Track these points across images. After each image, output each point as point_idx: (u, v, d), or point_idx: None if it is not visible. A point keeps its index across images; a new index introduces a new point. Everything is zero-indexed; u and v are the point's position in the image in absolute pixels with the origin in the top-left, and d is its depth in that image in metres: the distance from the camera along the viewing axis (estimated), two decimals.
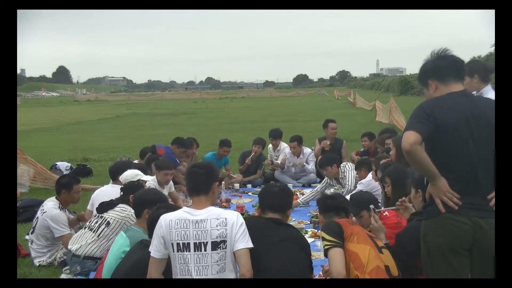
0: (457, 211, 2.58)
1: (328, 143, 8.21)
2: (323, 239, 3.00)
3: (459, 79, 2.77)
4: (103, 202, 4.54)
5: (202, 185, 3.03)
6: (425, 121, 2.60)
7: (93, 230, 4.37)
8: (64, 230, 4.68)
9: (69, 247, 4.46)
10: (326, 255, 3.01)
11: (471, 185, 2.61)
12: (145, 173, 5.45)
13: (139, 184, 4.76)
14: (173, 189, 6.31)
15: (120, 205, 4.42)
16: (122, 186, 4.85)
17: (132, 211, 4.11)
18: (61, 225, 4.67)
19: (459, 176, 2.61)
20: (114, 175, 5.43)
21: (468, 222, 2.57)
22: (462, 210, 2.58)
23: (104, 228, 4.32)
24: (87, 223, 4.56)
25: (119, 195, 4.62)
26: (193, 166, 3.24)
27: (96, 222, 4.40)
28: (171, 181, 6.20)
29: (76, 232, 4.85)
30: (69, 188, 4.87)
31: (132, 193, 4.32)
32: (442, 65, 2.73)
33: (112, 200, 4.56)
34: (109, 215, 4.35)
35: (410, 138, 2.53)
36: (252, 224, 3.14)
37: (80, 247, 4.35)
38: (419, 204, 3.69)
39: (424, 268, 2.81)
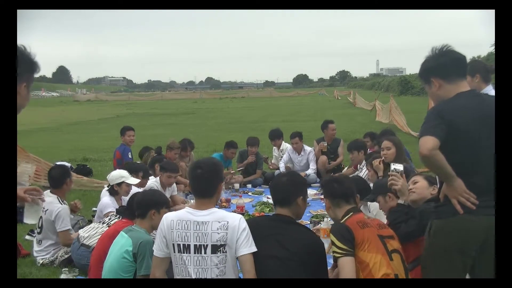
0: (472, 210, 2.55)
1: (325, 144, 8.43)
2: (333, 243, 2.90)
3: (463, 76, 2.74)
4: (123, 205, 4.66)
5: (207, 188, 2.94)
6: (441, 124, 2.56)
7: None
8: (67, 225, 4.71)
9: (80, 234, 4.52)
10: (335, 261, 2.93)
11: (484, 184, 2.57)
12: (138, 173, 5.48)
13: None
14: (176, 192, 6.36)
15: None
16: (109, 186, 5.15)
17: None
18: (66, 219, 4.69)
19: (472, 176, 2.58)
20: None
21: (481, 221, 2.55)
22: (477, 210, 2.55)
23: None
24: (106, 219, 4.63)
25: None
26: (196, 167, 3.00)
27: None
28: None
29: (76, 231, 4.88)
30: (70, 175, 5.04)
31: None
32: (445, 63, 2.70)
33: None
34: None
35: (429, 143, 2.48)
36: (254, 227, 2.92)
37: (93, 237, 4.40)
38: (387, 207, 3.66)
39: (423, 268, 2.81)
